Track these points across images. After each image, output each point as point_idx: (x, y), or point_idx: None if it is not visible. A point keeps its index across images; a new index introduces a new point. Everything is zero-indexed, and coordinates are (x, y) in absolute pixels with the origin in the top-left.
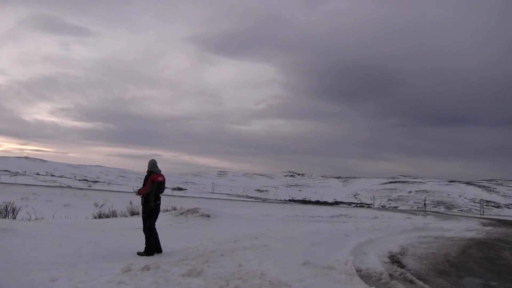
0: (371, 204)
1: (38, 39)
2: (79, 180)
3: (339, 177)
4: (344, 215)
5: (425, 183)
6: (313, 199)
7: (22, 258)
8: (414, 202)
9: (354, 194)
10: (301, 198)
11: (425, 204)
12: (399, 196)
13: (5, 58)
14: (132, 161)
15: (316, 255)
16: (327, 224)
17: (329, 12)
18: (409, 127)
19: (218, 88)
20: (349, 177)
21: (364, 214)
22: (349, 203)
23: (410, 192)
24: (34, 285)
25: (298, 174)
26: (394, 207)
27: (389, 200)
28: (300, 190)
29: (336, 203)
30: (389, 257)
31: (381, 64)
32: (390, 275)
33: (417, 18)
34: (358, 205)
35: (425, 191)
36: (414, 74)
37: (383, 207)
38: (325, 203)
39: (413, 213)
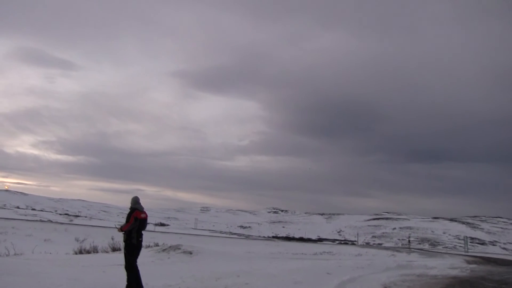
0: (355, 241)
1: (23, 71)
2: (60, 214)
3: (323, 214)
4: (327, 252)
5: (409, 219)
6: (297, 236)
7: None
8: (399, 239)
9: (338, 230)
10: (284, 235)
11: (409, 241)
12: (383, 232)
13: None
14: (114, 196)
15: None
16: (309, 262)
17: (312, 49)
18: (391, 163)
19: (201, 123)
20: (333, 214)
21: (348, 251)
22: (333, 240)
23: (394, 228)
24: None
25: (282, 211)
26: (379, 244)
27: (373, 236)
28: (283, 227)
29: (320, 239)
30: None
31: (361, 99)
32: None
33: (398, 55)
34: (342, 242)
35: (409, 227)
36: (394, 109)
37: (367, 244)
38: (309, 240)
39: (397, 250)
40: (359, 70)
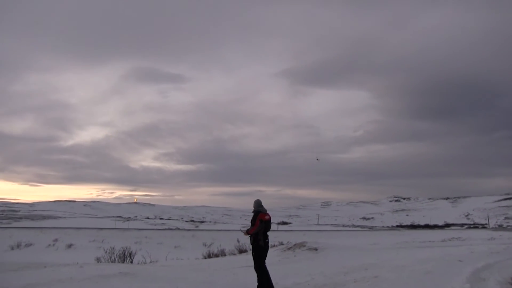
0: (485, 224)
1: (139, 90)
2: (186, 221)
3: (447, 198)
4: (456, 238)
5: None
6: (422, 223)
7: None
8: None
9: (466, 214)
10: (409, 223)
11: None
12: None
13: (112, 111)
14: (235, 199)
15: (430, 284)
16: (438, 250)
17: (420, 29)
18: None
19: (314, 119)
20: (458, 197)
21: (479, 235)
22: (461, 225)
23: None
24: None
25: (404, 199)
26: None
27: (506, 218)
28: (407, 215)
29: (446, 225)
30: (511, 284)
31: (479, 77)
32: None
33: None
34: (471, 226)
35: None
36: None
37: (500, 227)
38: (435, 227)
39: None
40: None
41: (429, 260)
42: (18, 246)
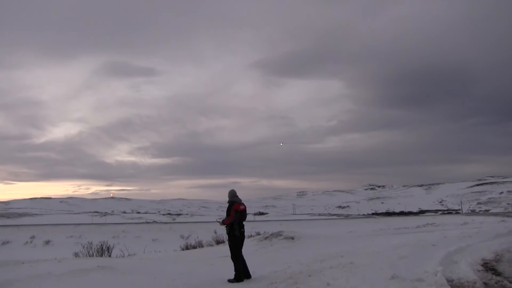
0: (459, 209)
1: (111, 84)
2: (163, 214)
3: (421, 185)
4: (431, 224)
5: None
6: (397, 210)
7: None
8: (508, 204)
9: (440, 201)
10: (384, 211)
11: None
12: (489, 198)
13: (85, 106)
14: (212, 191)
15: (404, 268)
16: (413, 236)
17: (390, 18)
18: (490, 125)
19: (288, 110)
20: (432, 184)
21: (452, 221)
22: (435, 211)
23: (502, 193)
24: None
25: (379, 187)
26: (485, 210)
27: (478, 203)
28: (382, 203)
29: (421, 212)
30: (482, 265)
31: (451, 65)
32: (485, 283)
33: (485, 18)
34: (445, 212)
35: None
36: (488, 70)
37: (473, 212)
38: (410, 213)
39: (507, 216)
40: (445, 34)
41: (403, 246)
42: None
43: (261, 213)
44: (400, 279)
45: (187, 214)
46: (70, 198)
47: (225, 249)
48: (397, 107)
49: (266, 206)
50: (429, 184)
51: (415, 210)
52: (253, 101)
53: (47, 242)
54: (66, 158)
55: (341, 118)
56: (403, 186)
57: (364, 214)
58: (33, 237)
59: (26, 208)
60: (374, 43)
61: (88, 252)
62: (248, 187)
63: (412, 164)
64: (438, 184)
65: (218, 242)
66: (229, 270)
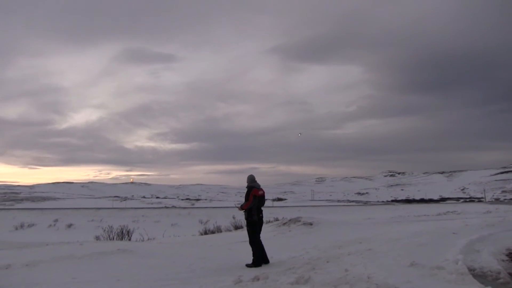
0: (482, 197)
1: (130, 71)
2: (182, 199)
3: (442, 172)
4: (452, 212)
5: None
6: (417, 198)
7: (142, 275)
8: None
9: (462, 188)
10: (404, 198)
11: None
12: None
13: (104, 92)
14: (230, 177)
15: (423, 256)
16: (433, 223)
17: (411, 2)
18: None
19: (306, 95)
20: (454, 171)
21: (474, 209)
22: (457, 199)
23: None
24: None
25: (399, 173)
26: (510, 199)
27: (503, 191)
28: (402, 190)
29: (442, 199)
30: (506, 255)
31: (476, 49)
32: (510, 274)
33: None
34: (467, 199)
35: None
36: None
37: (496, 200)
38: (430, 201)
39: None
40: (468, 17)
41: (423, 233)
42: (22, 226)
43: (279, 199)
44: (419, 267)
45: (205, 200)
46: (91, 182)
47: (243, 234)
48: (417, 93)
49: (285, 192)
50: (450, 171)
51: (435, 198)
52: (271, 86)
53: (69, 226)
54: (87, 143)
55: (359, 103)
56: (424, 173)
57: (383, 201)
58: (56, 220)
59: (49, 192)
60: (394, 27)
61: (109, 236)
62: (266, 173)
63: (433, 150)
64: (460, 171)
65: (237, 227)
66: (247, 255)
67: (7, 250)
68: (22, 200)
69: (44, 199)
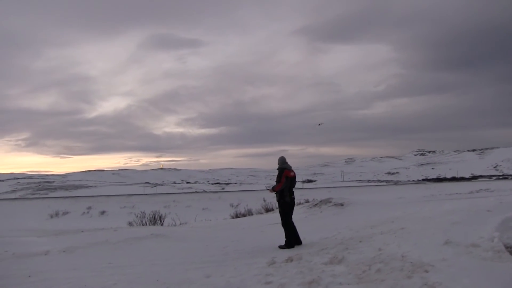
0: None
1: (157, 57)
2: (212, 184)
3: (474, 150)
4: (485, 190)
5: None
6: (448, 176)
7: (177, 258)
8: None
9: (494, 166)
10: (435, 176)
11: None
12: None
13: (132, 80)
14: (260, 160)
15: (457, 234)
16: (466, 201)
17: None
18: None
19: (334, 76)
20: (486, 148)
21: (508, 186)
22: (490, 176)
23: None
24: (192, 281)
25: (429, 152)
26: None
27: None
28: (433, 168)
29: (474, 177)
30: None
31: (507, 22)
32: None
33: None
34: (500, 177)
35: None
36: None
37: None
38: (462, 179)
39: None
40: None
41: (456, 211)
42: (56, 214)
43: (309, 181)
44: (454, 244)
45: (235, 183)
46: (122, 170)
47: (275, 216)
48: (448, 70)
49: (314, 173)
50: (482, 149)
51: (467, 176)
52: (298, 68)
53: (102, 213)
54: (116, 131)
55: (389, 82)
56: (455, 151)
57: (414, 180)
58: (89, 207)
59: (81, 181)
60: (422, 3)
61: (141, 221)
62: (296, 155)
63: (464, 128)
64: (492, 148)
65: (267, 210)
66: (280, 237)
67: (45, 237)
68: (55, 189)
69: (76, 187)
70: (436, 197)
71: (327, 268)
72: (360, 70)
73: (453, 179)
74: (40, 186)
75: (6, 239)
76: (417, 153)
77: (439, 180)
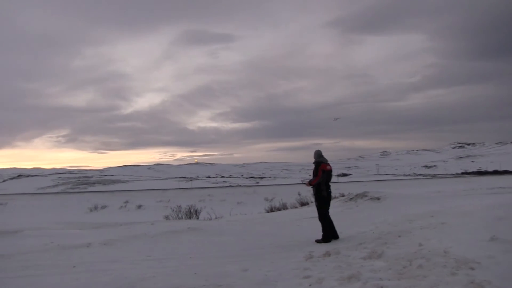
0: None
1: (189, 53)
2: (246, 178)
3: None
4: None
5: None
6: (490, 169)
7: (213, 252)
8: None
9: None
10: (475, 170)
11: None
12: None
13: (165, 76)
14: (293, 154)
15: (503, 230)
16: (510, 196)
17: None
18: None
19: (367, 67)
20: None
21: None
22: None
23: None
24: (229, 274)
25: (468, 144)
26: None
27: None
28: (472, 161)
29: None
30: None
31: None
32: None
33: None
34: None
35: None
36: None
37: None
38: (505, 172)
39: None
40: None
41: (499, 206)
42: (95, 208)
43: (344, 174)
44: (500, 241)
45: (270, 177)
46: (157, 164)
47: (310, 210)
48: (487, 58)
49: (349, 167)
50: None
51: (511, 169)
52: (331, 60)
53: (139, 207)
54: (151, 126)
55: (424, 73)
56: (497, 143)
57: (452, 174)
58: (126, 202)
59: (118, 175)
60: None
61: (178, 215)
62: (330, 148)
63: (506, 119)
64: None
65: (303, 204)
66: (316, 231)
67: (86, 230)
68: (94, 183)
69: (114, 182)
70: (477, 191)
71: (366, 263)
72: (394, 61)
73: (496, 172)
74: (80, 181)
75: (51, 231)
76: (455, 145)
77: (479, 173)
